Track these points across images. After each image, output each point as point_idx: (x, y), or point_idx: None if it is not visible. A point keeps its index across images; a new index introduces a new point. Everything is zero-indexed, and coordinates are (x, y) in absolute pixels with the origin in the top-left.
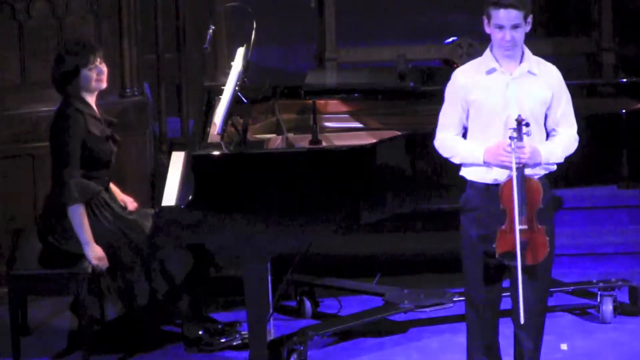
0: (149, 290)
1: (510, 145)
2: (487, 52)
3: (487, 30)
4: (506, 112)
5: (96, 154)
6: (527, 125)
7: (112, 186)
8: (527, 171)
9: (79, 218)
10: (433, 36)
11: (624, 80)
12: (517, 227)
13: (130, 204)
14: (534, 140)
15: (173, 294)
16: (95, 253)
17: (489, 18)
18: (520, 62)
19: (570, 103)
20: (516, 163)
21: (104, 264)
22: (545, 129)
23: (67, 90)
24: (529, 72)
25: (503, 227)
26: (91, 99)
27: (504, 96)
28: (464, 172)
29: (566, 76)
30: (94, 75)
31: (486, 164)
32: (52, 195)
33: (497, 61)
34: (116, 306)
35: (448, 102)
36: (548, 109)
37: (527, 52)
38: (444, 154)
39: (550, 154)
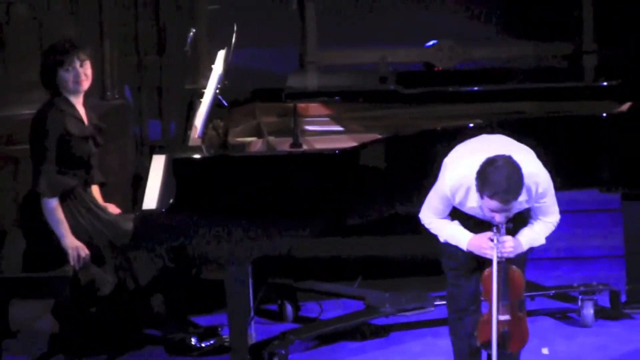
0: (118, 287)
1: (492, 239)
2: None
3: (480, 200)
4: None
5: (73, 153)
6: (509, 224)
7: (95, 192)
8: None
9: (52, 211)
10: (414, 39)
11: (605, 83)
12: (494, 318)
13: (112, 209)
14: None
15: (141, 294)
16: (72, 243)
17: (481, 194)
18: None
19: (553, 199)
20: (499, 257)
21: (83, 253)
22: None
23: (50, 88)
24: (518, 209)
25: (484, 317)
26: (75, 100)
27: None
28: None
29: (548, 79)
30: (70, 77)
31: (469, 251)
32: (32, 192)
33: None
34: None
35: (438, 198)
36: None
37: None
38: (430, 230)
39: (533, 242)
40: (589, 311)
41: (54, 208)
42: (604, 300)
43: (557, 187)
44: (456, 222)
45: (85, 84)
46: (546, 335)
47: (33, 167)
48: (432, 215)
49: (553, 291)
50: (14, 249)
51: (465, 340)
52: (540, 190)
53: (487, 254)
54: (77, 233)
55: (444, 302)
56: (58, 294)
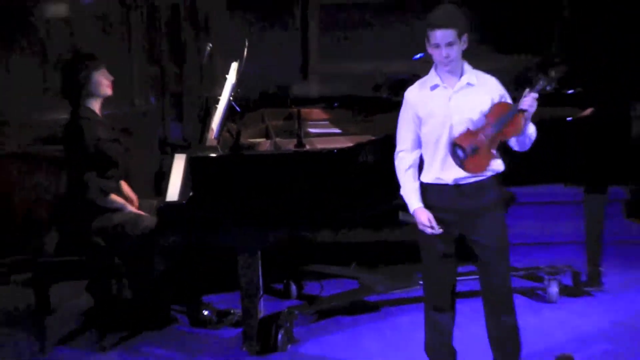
0: (153, 271)
1: (429, 222)
2: (432, 70)
3: (429, 50)
4: (450, 122)
5: (108, 155)
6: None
7: (122, 183)
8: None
9: (113, 202)
10: (404, 52)
11: (570, 91)
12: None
13: (135, 200)
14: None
15: (172, 272)
16: (134, 212)
17: (428, 39)
18: (460, 76)
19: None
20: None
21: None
22: None
23: (77, 97)
24: (468, 84)
25: (472, 128)
26: (96, 106)
27: (447, 108)
28: (425, 177)
29: (518, 88)
30: (103, 80)
31: (413, 214)
32: (70, 194)
33: (440, 78)
34: (129, 287)
35: (402, 119)
36: None
37: (467, 67)
38: (398, 177)
39: (534, 131)
40: (554, 289)
41: (112, 200)
42: (567, 280)
43: (529, 182)
44: (416, 186)
45: (111, 87)
46: (517, 310)
47: (74, 175)
48: (402, 148)
49: (523, 272)
50: (50, 234)
51: (432, 331)
52: (491, 87)
53: (425, 229)
54: (114, 224)
55: None
56: (92, 274)
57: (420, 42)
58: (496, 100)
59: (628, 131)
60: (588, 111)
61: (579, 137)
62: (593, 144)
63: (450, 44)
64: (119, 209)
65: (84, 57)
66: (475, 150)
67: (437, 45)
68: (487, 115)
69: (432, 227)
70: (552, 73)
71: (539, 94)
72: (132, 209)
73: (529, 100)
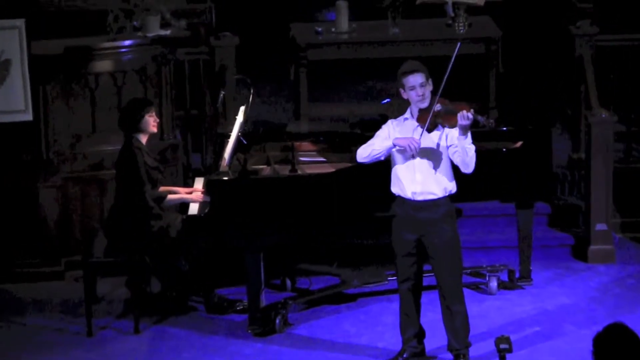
0: (177, 270)
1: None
2: (408, 110)
3: (405, 95)
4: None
5: (150, 176)
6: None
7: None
8: (429, 188)
9: (170, 201)
10: (374, 98)
11: (504, 129)
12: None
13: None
14: (441, 167)
15: (195, 273)
16: (197, 195)
17: (404, 86)
18: None
19: None
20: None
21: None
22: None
23: (130, 130)
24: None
25: (428, 107)
26: (144, 139)
27: (411, 136)
28: (392, 189)
29: None
30: (152, 120)
31: (394, 145)
32: (120, 206)
33: (411, 114)
34: (158, 283)
35: (379, 133)
36: (446, 137)
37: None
38: (361, 154)
39: (471, 147)
40: (493, 284)
41: (168, 200)
42: (504, 277)
43: (473, 200)
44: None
45: (157, 127)
46: (465, 300)
47: (129, 190)
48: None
49: (469, 270)
50: (99, 241)
51: (403, 315)
52: None
53: (411, 146)
54: (159, 231)
55: (395, 278)
56: (130, 272)
57: (385, 91)
58: (451, 133)
59: (549, 159)
60: (518, 144)
61: (511, 163)
62: (522, 169)
63: (422, 85)
64: (160, 217)
65: (141, 101)
66: (441, 112)
67: (413, 87)
68: (443, 101)
69: (412, 143)
70: (491, 116)
71: (477, 126)
72: (185, 194)
73: (467, 113)
